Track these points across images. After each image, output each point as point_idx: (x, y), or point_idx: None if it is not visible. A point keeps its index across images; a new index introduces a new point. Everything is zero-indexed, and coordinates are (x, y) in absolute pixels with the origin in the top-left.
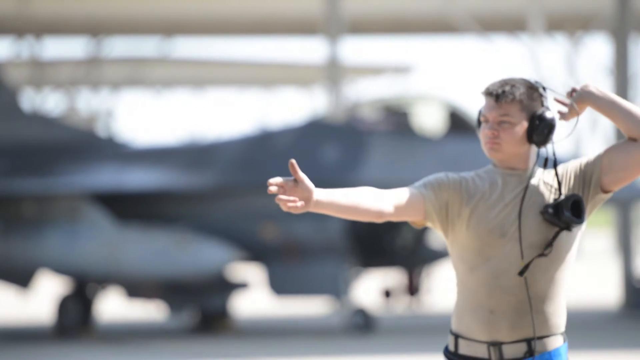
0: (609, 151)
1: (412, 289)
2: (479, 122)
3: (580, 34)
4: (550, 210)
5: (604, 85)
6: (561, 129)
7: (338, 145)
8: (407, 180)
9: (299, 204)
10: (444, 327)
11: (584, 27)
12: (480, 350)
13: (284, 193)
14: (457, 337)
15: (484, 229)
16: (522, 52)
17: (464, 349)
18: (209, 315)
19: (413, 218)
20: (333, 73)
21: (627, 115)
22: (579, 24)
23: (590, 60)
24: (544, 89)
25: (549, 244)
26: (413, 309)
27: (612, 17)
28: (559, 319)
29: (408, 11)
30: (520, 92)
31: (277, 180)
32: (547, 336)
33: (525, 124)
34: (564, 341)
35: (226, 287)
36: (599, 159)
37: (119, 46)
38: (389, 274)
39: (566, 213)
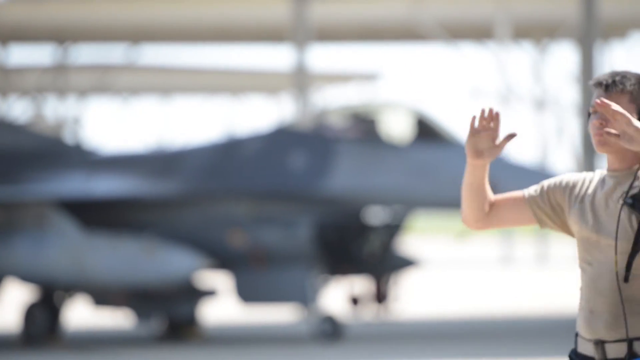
0: None
1: (380, 296)
2: (589, 115)
3: (546, 41)
4: (629, 200)
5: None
6: None
7: (305, 153)
8: (375, 188)
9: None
10: (412, 335)
11: (550, 35)
12: (589, 349)
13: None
14: (577, 335)
15: (583, 233)
16: (489, 59)
17: (580, 347)
18: (176, 323)
19: (521, 223)
20: (300, 80)
21: None
22: (545, 32)
23: (556, 68)
24: None
25: (636, 238)
26: (381, 316)
27: (578, 25)
28: None
29: (375, 18)
30: (630, 83)
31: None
32: None
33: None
34: None
35: (194, 294)
36: None
37: (86, 53)
38: (357, 282)
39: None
